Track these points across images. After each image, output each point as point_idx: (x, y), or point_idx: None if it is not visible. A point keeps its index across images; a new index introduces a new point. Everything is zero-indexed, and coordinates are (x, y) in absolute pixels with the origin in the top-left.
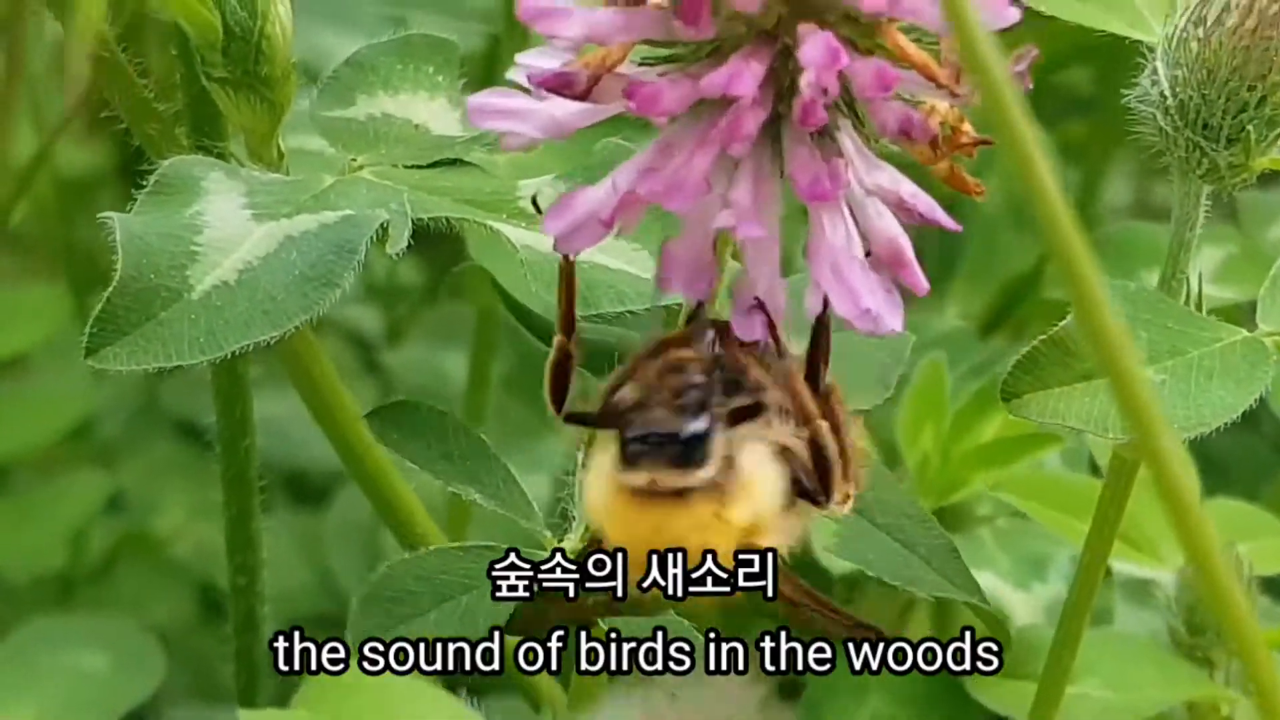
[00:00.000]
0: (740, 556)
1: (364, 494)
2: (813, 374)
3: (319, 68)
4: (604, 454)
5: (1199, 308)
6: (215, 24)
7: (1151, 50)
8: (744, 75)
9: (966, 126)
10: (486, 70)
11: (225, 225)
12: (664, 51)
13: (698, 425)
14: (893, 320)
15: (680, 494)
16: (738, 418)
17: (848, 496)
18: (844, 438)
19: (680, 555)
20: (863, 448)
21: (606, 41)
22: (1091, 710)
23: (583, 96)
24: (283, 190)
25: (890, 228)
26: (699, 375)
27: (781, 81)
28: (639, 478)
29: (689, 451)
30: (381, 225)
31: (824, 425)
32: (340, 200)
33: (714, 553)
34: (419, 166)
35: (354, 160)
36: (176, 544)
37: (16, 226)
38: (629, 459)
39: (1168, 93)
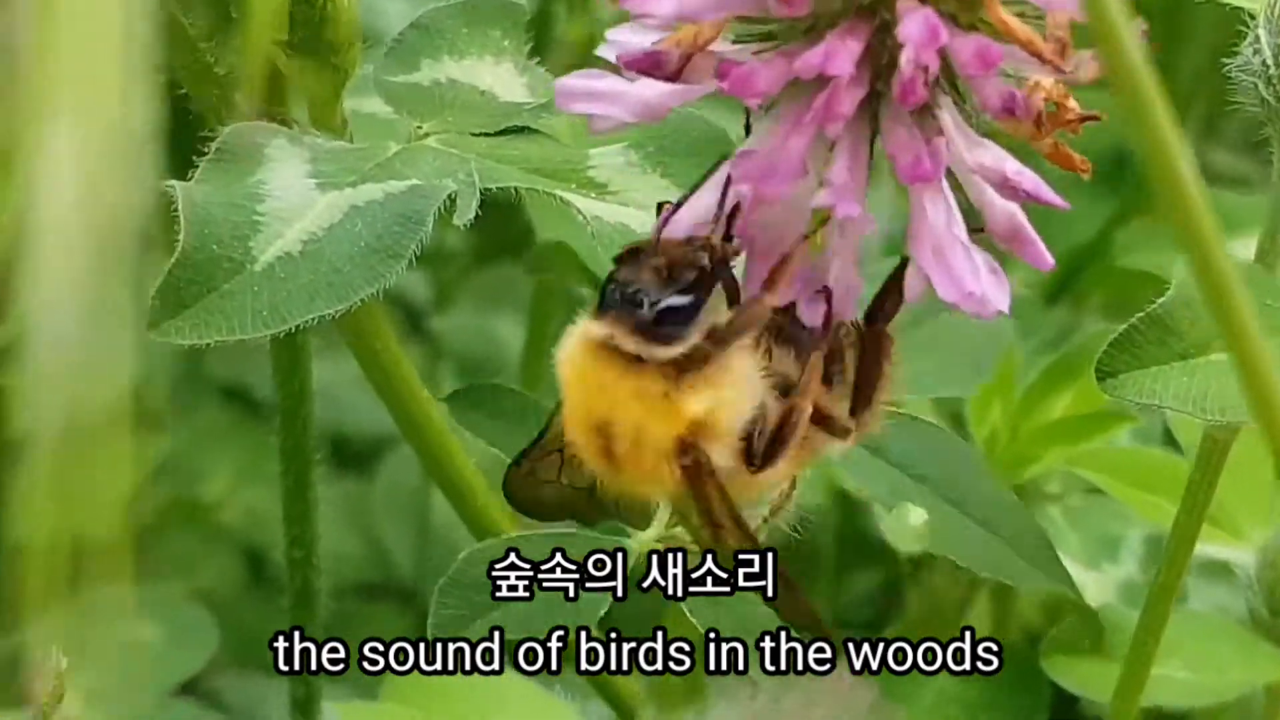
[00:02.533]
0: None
1: (425, 468)
2: (874, 309)
3: (384, 32)
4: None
5: None
6: None
7: (1254, 17)
8: (841, 54)
9: (1072, 102)
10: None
11: (289, 194)
12: (758, 29)
13: (678, 300)
14: (999, 301)
15: (635, 360)
16: (734, 328)
17: (849, 432)
18: (871, 379)
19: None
20: (882, 408)
21: (698, 18)
22: (1174, 692)
23: (674, 77)
24: (347, 158)
25: (1007, 204)
26: (708, 258)
27: (879, 59)
28: (602, 329)
29: (659, 323)
30: (449, 195)
31: (805, 404)
32: (406, 169)
33: (650, 436)
34: (486, 134)
35: (419, 127)
36: (224, 510)
37: None
38: (601, 308)
39: (1270, 62)
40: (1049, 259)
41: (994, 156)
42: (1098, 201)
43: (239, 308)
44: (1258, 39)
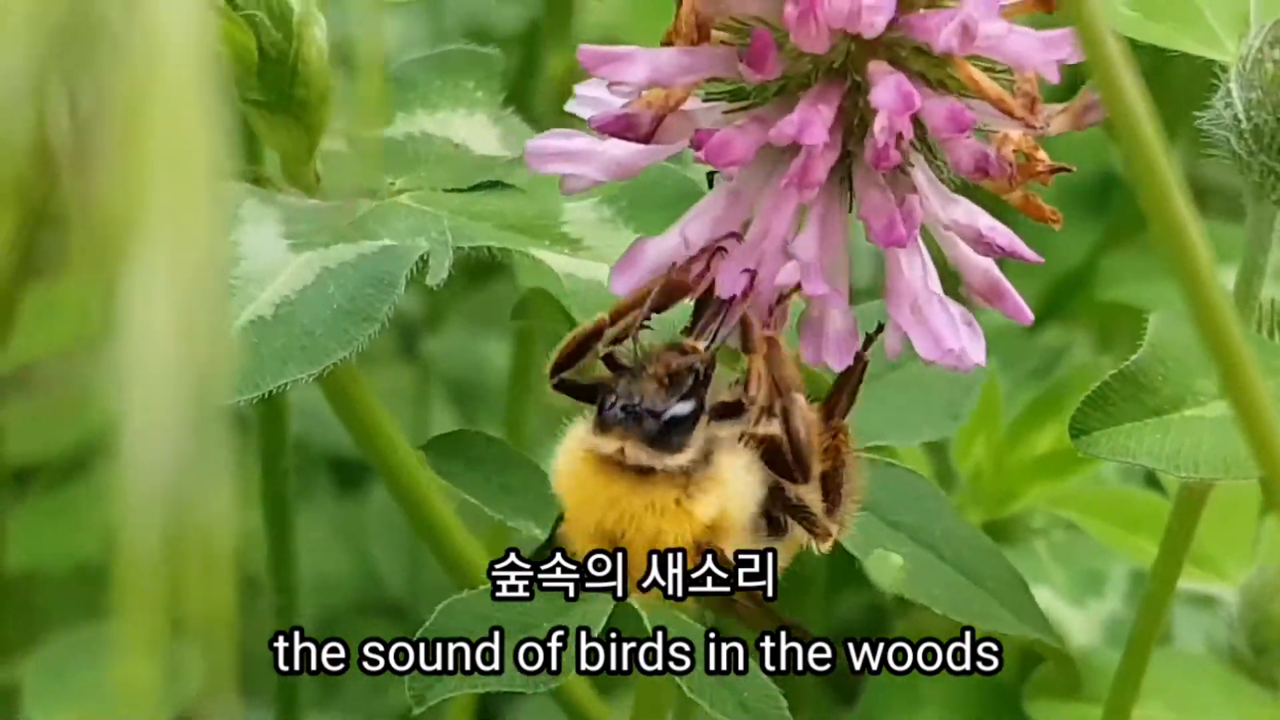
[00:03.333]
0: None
1: (405, 514)
2: (831, 405)
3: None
4: (584, 422)
5: (1271, 334)
6: (250, 46)
7: (1225, 70)
8: (814, 122)
9: (1041, 154)
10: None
11: (261, 256)
12: (728, 86)
13: (683, 408)
14: (977, 355)
15: (645, 472)
16: (725, 413)
17: (829, 534)
18: (843, 473)
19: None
20: (858, 496)
21: (670, 84)
22: None
23: (647, 139)
24: (320, 217)
25: (982, 260)
26: (699, 362)
27: (851, 119)
28: (608, 444)
29: (667, 432)
30: (421, 256)
31: (798, 404)
32: (378, 227)
33: (666, 545)
34: (459, 190)
35: (392, 183)
36: None
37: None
38: (604, 424)
39: (1241, 116)
40: (1028, 313)
41: (967, 212)
42: (1084, 226)
43: None
44: (1229, 93)
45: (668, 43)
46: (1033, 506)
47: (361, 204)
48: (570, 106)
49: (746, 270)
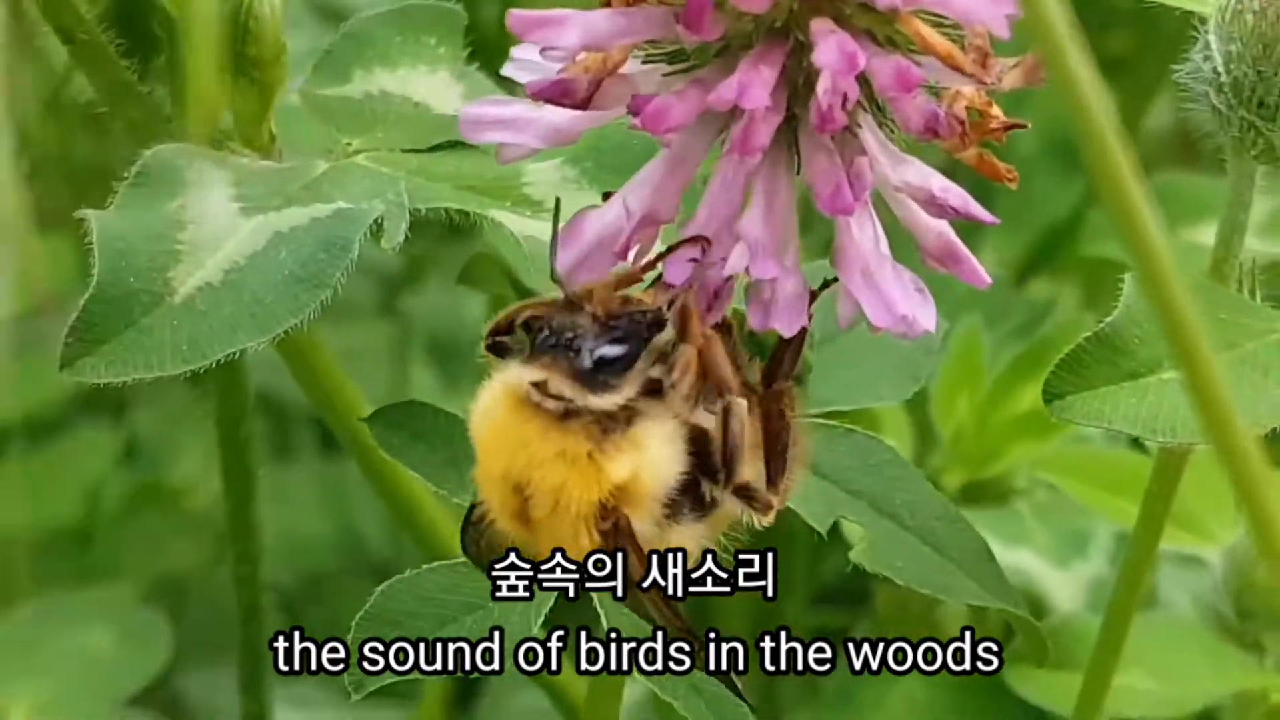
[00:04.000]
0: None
1: (372, 487)
2: (774, 369)
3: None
4: (510, 370)
5: (1253, 294)
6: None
7: (1204, 22)
8: (755, 85)
9: (995, 110)
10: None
11: (210, 220)
12: (668, 48)
13: (615, 350)
14: (927, 321)
15: (563, 416)
16: (649, 388)
17: (770, 506)
18: (785, 443)
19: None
20: (802, 462)
21: (606, 47)
22: (1138, 704)
23: (584, 105)
24: (273, 179)
25: (936, 222)
26: (644, 314)
27: (795, 80)
28: (532, 373)
29: (595, 370)
30: (377, 220)
31: (738, 408)
32: (333, 190)
33: (570, 499)
34: (417, 150)
35: (348, 144)
36: (192, 495)
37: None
38: (532, 354)
39: (1221, 69)
40: (984, 275)
41: (919, 173)
42: (1069, 178)
43: (157, 343)
44: (1208, 45)
45: (604, 3)
46: (1016, 466)
47: (316, 165)
48: (506, 70)
49: (692, 260)
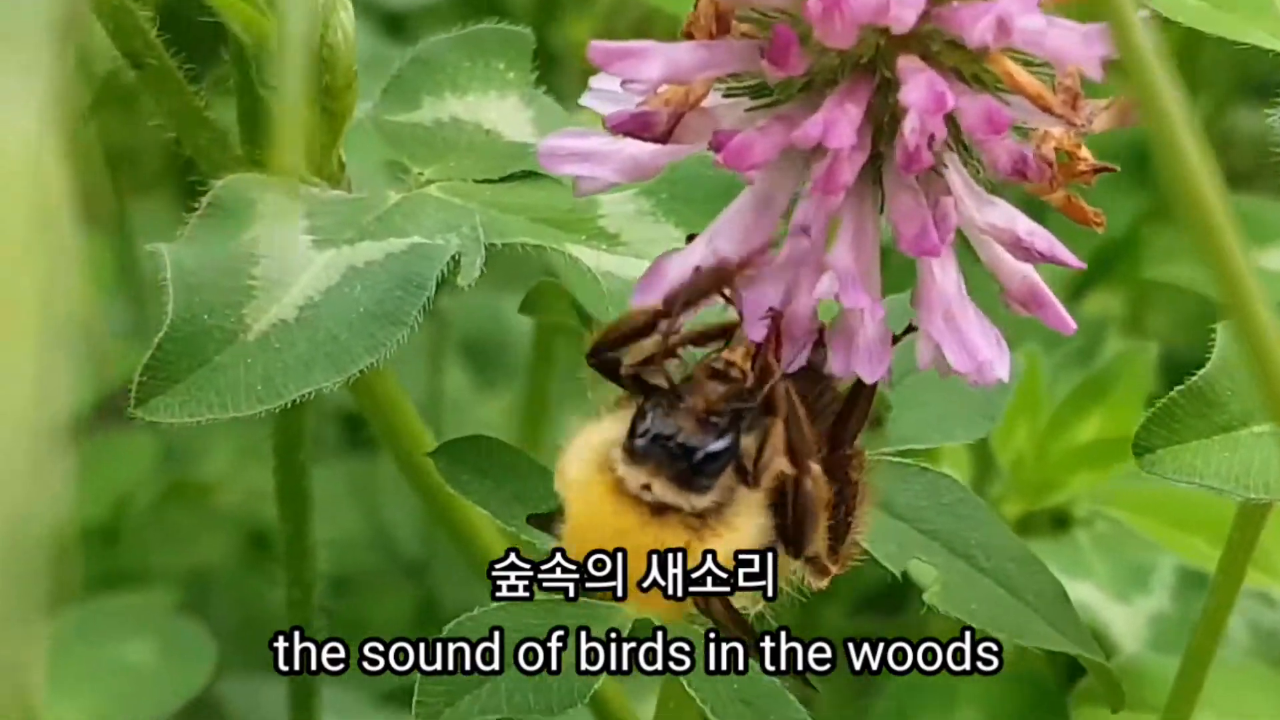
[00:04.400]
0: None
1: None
2: (841, 432)
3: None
4: (606, 428)
5: None
6: (272, 31)
7: None
8: (840, 123)
9: (1084, 152)
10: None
11: (283, 255)
12: (751, 82)
13: (718, 446)
14: (1001, 370)
15: (662, 509)
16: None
17: (829, 572)
18: (850, 510)
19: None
20: (863, 531)
21: (688, 80)
22: None
23: (664, 139)
24: (345, 211)
25: (1021, 265)
26: (740, 394)
27: (881, 118)
28: (635, 476)
29: (698, 472)
30: (452, 256)
31: (814, 483)
32: (407, 223)
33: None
34: (490, 180)
35: (420, 173)
36: (225, 491)
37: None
38: (633, 454)
39: None
40: (1070, 322)
41: (1005, 216)
42: (1127, 195)
43: (232, 382)
44: None
45: (687, 35)
46: (1076, 497)
47: (388, 196)
48: (585, 100)
49: (771, 309)
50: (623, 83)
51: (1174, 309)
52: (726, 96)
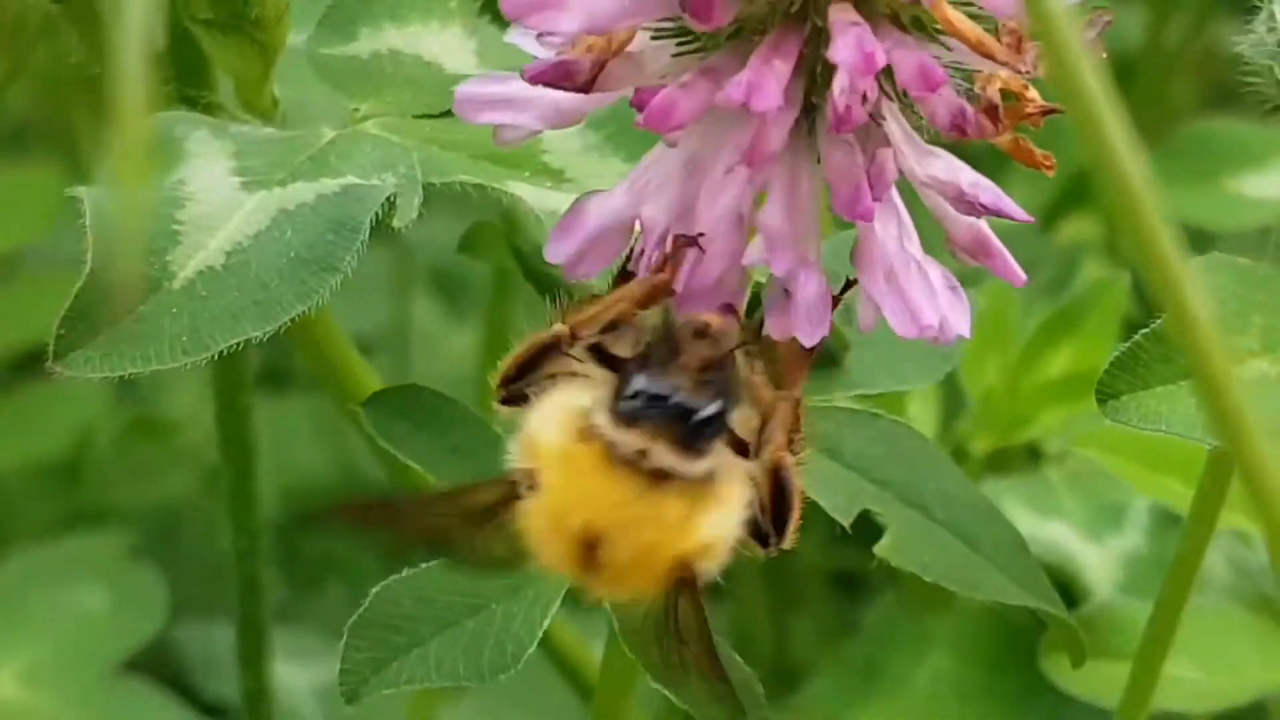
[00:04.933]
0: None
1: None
2: (784, 381)
3: None
4: (573, 394)
5: None
6: None
7: None
8: (767, 83)
9: (1032, 94)
10: None
11: (211, 197)
12: (678, 23)
13: (716, 407)
14: (960, 325)
15: (663, 477)
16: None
17: (779, 545)
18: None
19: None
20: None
21: (609, 30)
22: (1183, 695)
23: (587, 89)
24: (277, 150)
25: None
26: (731, 356)
27: (814, 68)
28: (630, 441)
29: (696, 435)
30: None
31: (793, 467)
32: (341, 162)
33: (653, 558)
34: (430, 116)
35: (356, 110)
36: (188, 428)
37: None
38: (625, 416)
39: None
40: (1020, 273)
41: (947, 167)
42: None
43: (155, 333)
44: (1272, 16)
45: None
46: (1047, 432)
47: (322, 134)
48: (510, 36)
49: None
50: (539, 35)
51: None
52: (654, 39)
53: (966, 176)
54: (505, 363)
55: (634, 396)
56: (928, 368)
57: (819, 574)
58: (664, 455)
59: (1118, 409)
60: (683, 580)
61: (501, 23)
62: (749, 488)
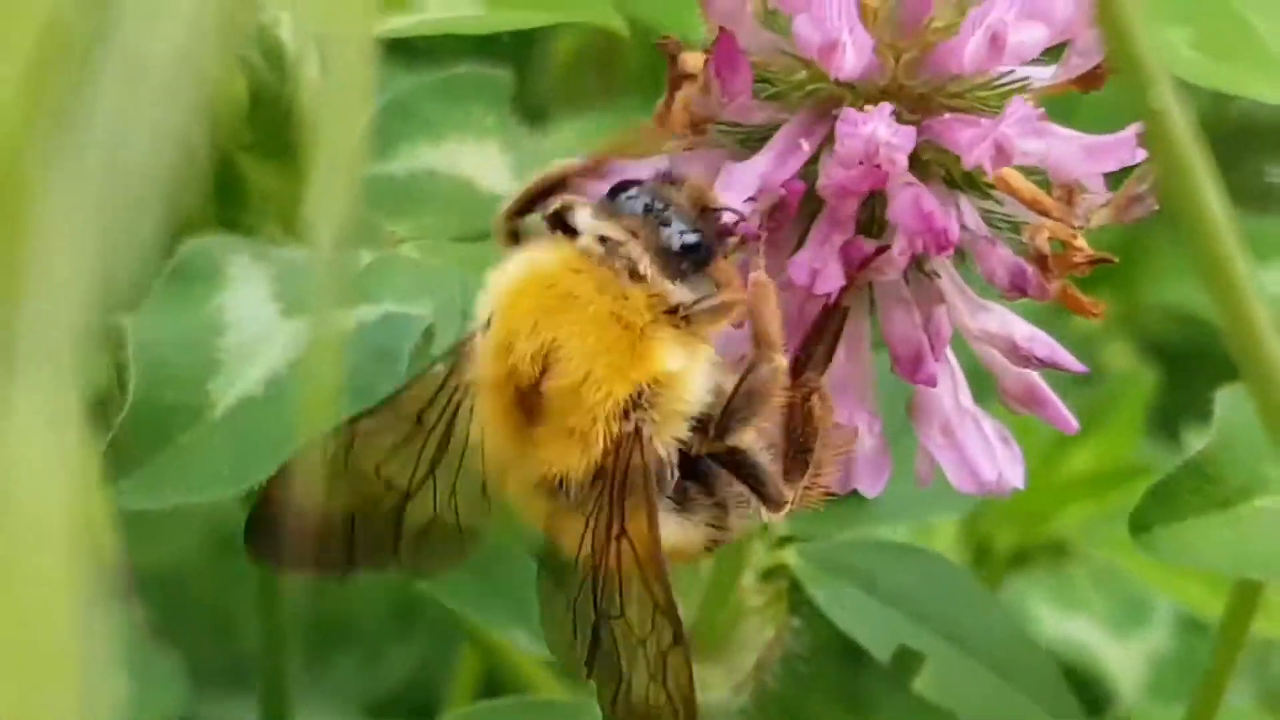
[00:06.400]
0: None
1: None
2: (800, 359)
3: None
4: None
5: None
6: (239, 90)
7: None
8: (827, 266)
9: (1080, 243)
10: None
11: (250, 323)
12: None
13: (706, 238)
14: (1015, 478)
15: (631, 276)
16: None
17: (783, 503)
18: (806, 440)
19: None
20: (826, 476)
21: None
22: None
23: None
24: (314, 275)
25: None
26: (731, 222)
27: (869, 228)
28: (609, 228)
29: (681, 255)
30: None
31: (769, 369)
32: (380, 288)
33: (595, 382)
34: (465, 239)
35: (393, 232)
36: None
37: None
38: (613, 208)
39: None
40: (1072, 421)
41: (1000, 321)
42: None
43: (197, 464)
44: None
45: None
46: (1071, 529)
47: (359, 257)
48: None
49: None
50: None
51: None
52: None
53: (1020, 330)
54: (515, 195)
55: (627, 191)
56: (957, 498)
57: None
58: (639, 252)
59: (1151, 542)
60: (635, 435)
61: (524, 106)
62: (712, 377)
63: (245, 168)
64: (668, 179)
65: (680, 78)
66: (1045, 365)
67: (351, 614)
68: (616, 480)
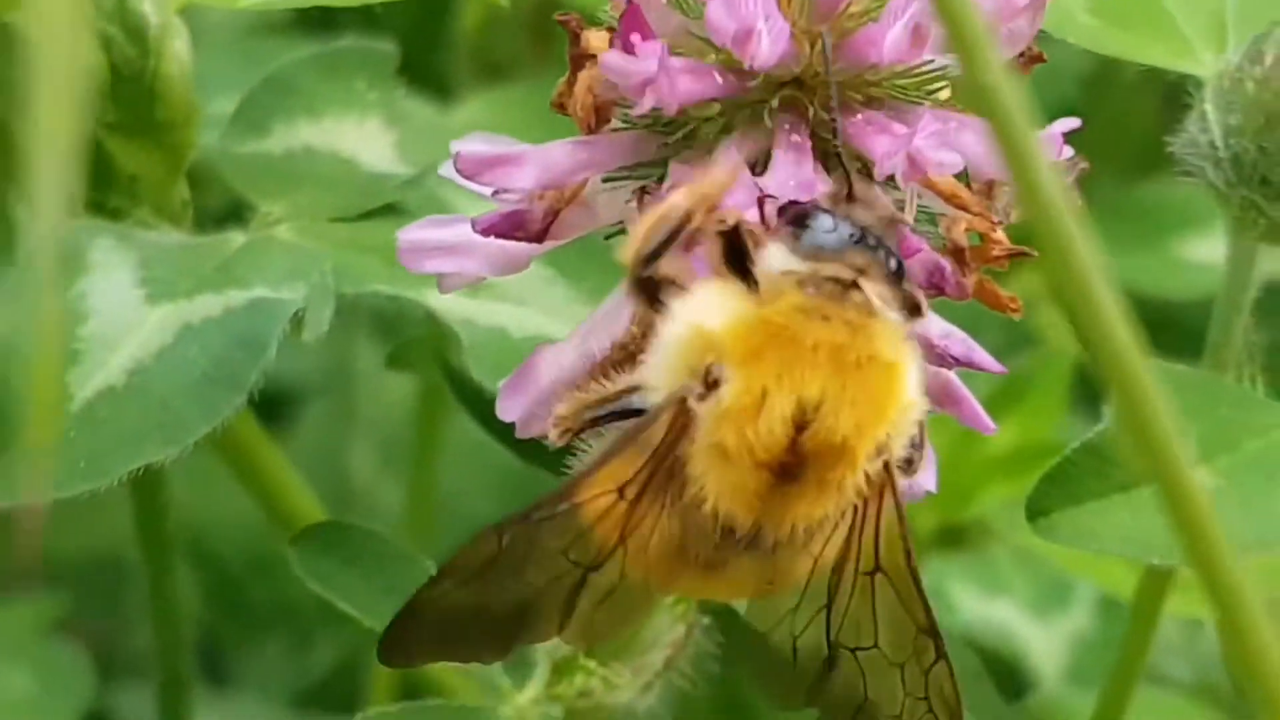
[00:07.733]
0: None
1: None
2: None
3: None
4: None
5: (1254, 382)
6: (102, 64)
7: (1200, 86)
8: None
9: (998, 235)
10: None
11: (113, 311)
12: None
13: (904, 260)
14: (927, 481)
15: (868, 315)
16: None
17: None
18: None
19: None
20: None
21: (566, 184)
22: None
23: (539, 238)
24: (183, 259)
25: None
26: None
27: None
28: (837, 270)
29: (901, 277)
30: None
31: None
32: (250, 271)
33: (870, 417)
34: (345, 219)
35: (268, 212)
36: None
37: None
38: (820, 249)
39: (1219, 142)
40: (988, 421)
41: None
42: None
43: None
44: (1204, 115)
45: (557, 107)
46: (993, 509)
47: (231, 239)
48: (444, 171)
49: None
50: (494, 193)
51: None
52: (606, 184)
53: (936, 328)
54: (637, 241)
55: (829, 229)
56: None
57: None
58: (876, 287)
59: (1049, 527)
60: (887, 473)
61: (429, 81)
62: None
63: (111, 147)
64: (842, 198)
65: (582, 57)
66: (961, 364)
67: (283, 602)
68: (868, 518)
